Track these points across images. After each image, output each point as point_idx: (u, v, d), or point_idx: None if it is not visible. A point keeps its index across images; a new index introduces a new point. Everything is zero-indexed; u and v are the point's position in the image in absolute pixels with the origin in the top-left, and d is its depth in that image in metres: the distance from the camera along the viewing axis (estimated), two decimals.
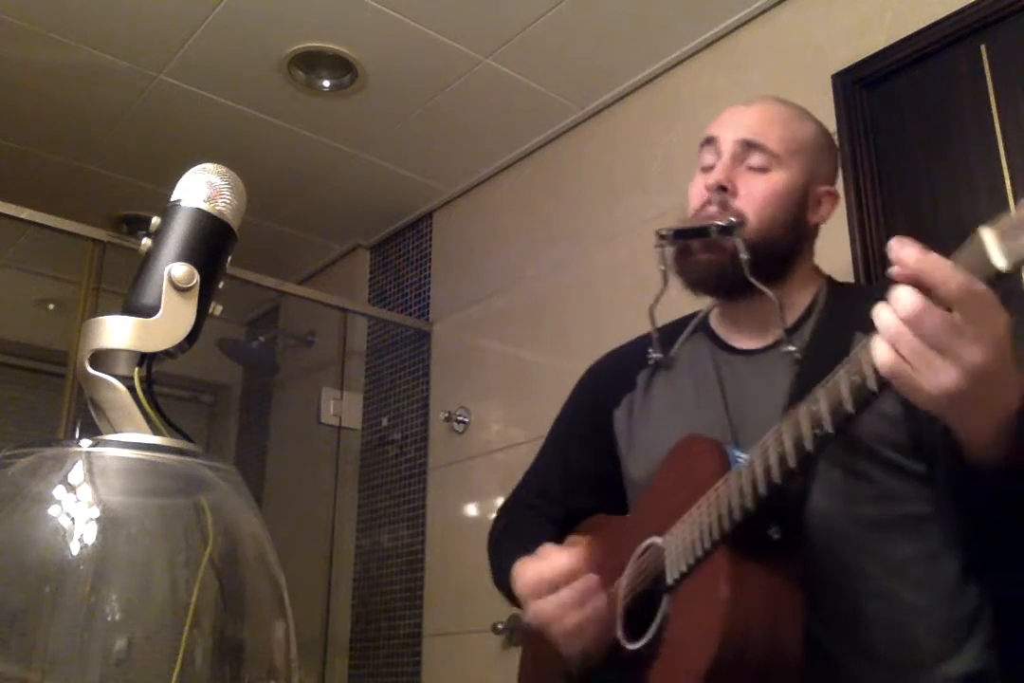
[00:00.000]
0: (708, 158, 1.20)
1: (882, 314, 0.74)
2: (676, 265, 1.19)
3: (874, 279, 1.81)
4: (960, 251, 0.71)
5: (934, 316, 0.70)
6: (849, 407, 0.80)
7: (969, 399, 0.75)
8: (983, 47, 1.83)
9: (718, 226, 1.13)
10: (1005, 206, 1.75)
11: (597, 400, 1.32)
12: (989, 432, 0.80)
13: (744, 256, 1.11)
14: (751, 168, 1.16)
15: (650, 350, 1.25)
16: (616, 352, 1.39)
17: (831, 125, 2.02)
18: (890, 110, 1.98)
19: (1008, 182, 1.74)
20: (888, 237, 1.88)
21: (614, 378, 1.31)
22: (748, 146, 1.16)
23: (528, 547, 1.15)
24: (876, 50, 1.98)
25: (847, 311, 1.13)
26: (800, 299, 1.19)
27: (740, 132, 1.18)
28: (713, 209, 1.16)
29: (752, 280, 1.12)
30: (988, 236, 0.68)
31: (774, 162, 1.16)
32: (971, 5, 1.83)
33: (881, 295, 0.75)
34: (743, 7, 2.27)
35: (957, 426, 0.83)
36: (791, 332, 1.15)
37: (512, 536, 1.30)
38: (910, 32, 1.93)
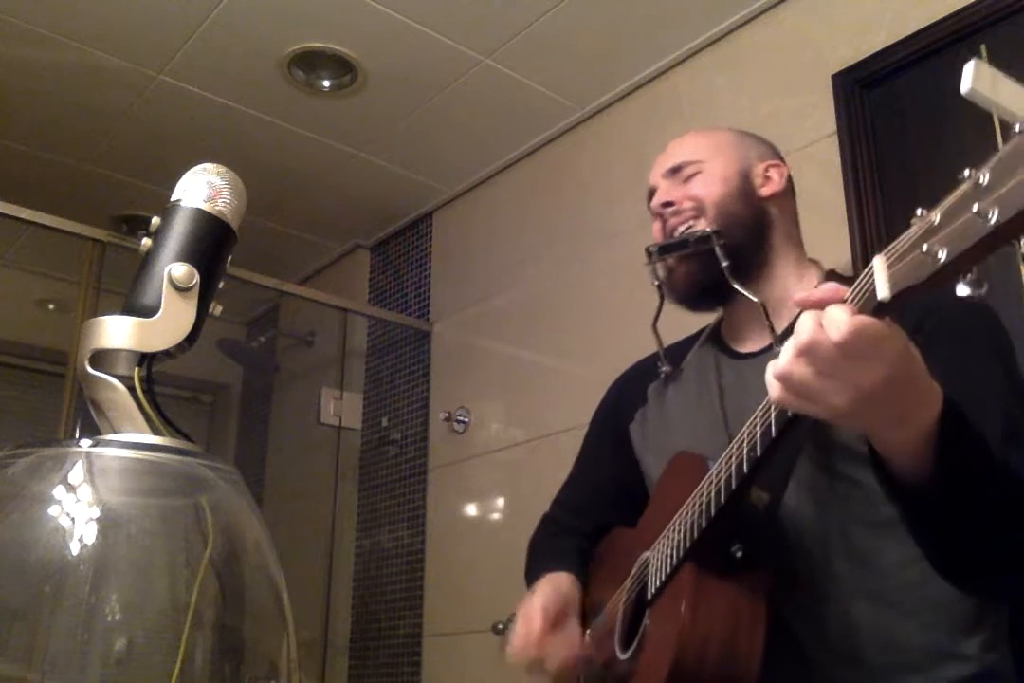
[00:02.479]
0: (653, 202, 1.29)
1: (783, 348, 0.77)
2: (666, 287, 1.26)
3: None
4: (859, 279, 0.72)
5: (826, 346, 0.72)
6: (773, 431, 0.84)
7: (871, 417, 0.78)
8: (983, 47, 1.83)
9: (695, 236, 1.19)
10: None
11: (615, 418, 1.37)
12: (910, 445, 0.82)
13: (724, 263, 1.16)
14: (685, 181, 1.25)
15: (658, 364, 1.29)
16: (632, 368, 1.44)
17: (831, 125, 2.02)
18: (890, 110, 1.98)
19: None
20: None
21: (628, 395, 1.37)
22: (673, 171, 1.26)
23: (554, 561, 1.30)
24: (876, 50, 1.98)
25: None
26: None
27: (663, 166, 1.28)
28: (673, 221, 1.23)
29: (735, 285, 1.16)
30: (879, 265, 0.68)
31: (701, 165, 1.25)
32: (971, 5, 1.83)
33: None
34: (743, 7, 2.27)
35: (874, 442, 0.85)
36: (787, 334, 1.15)
37: (541, 552, 1.39)
38: (910, 32, 1.93)
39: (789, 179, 1.27)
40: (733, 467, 0.90)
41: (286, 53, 2.46)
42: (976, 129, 1.81)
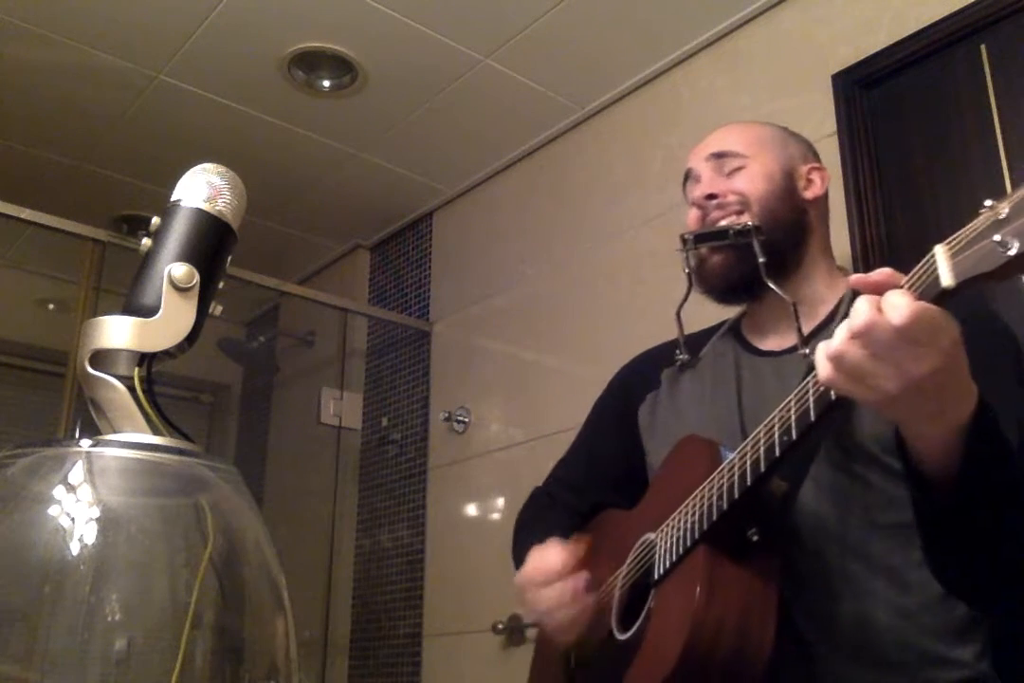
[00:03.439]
0: (691, 189, 1.28)
1: (837, 329, 0.76)
2: (696, 276, 1.24)
3: None
4: (916, 268, 0.73)
5: (884, 330, 0.72)
6: (812, 416, 0.84)
7: (913, 406, 0.78)
8: (983, 47, 1.83)
9: (735, 229, 1.17)
10: None
11: (625, 398, 1.36)
12: (940, 439, 0.82)
13: (761, 259, 1.15)
14: (729, 174, 1.23)
15: (677, 352, 1.29)
16: (646, 352, 1.43)
17: (831, 125, 2.02)
18: (890, 110, 1.98)
19: (1008, 182, 1.74)
20: (888, 237, 1.90)
21: (641, 376, 1.36)
22: (718, 157, 1.25)
23: (546, 536, 1.22)
24: (876, 50, 1.98)
25: None
26: (826, 300, 1.21)
27: (707, 151, 1.27)
28: (716, 214, 1.21)
29: (769, 283, 1.15)
30: (940, 254, 0.69)
31: (745, 160, 1.23)
32: (971, 5, 1.83)
33: None
34: (743, 7, 2.27)
35: (907, 432, 0.85)
36: (815, 334, 1.16)
37: (533, 523, 1.37)
38: (910, 32, 1.92)
39: (827, 184, 1.27)
40: (762, 450, 0.90)
41: (286, 53, 2.46)
42: (976, 128, 1.81)
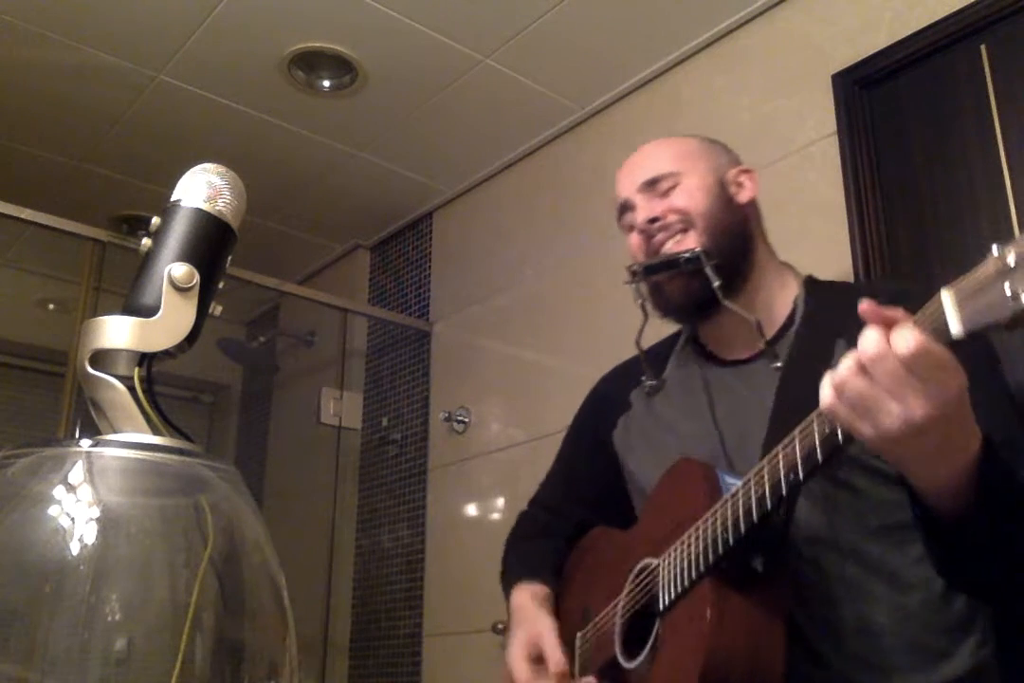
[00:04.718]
0: (629, 217, 1.25)
1: (844, 358, 0.75)
2: (653, 301, 1.23)
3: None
4: (923, 310, 0.71)
5: (891, 361, 0.71)
6: (819, 456, 0.82)
7: (914, 450, 0.77)
8: (983, 47, 1.83)
9: (684, 257, 1.16)
10: (1005, 207, 1.75)
11: (597, 422, 1.36)
12: (944, 481, 0.82)
13: (716, 283, 1.14)
14: (663, 194, 1.21)
15: (643, 378, 1.28)
16: (614, 372, 1.42)
17: (831, 125, 2.02)
18: (890, 110, 1.98)
19: (1008, 182, 1.74)
20: (888, 238, 1.90)
21: (611, 400, 1.35)
22: (649, 184, 1.22)
23: (529, 568, 1.30)
24: (876, 50, 1.98)
25: (829, 315, 1.14)
26: (780, 303, 1.21)
27: (637, 179, 1.24)
28: (660, 237, 1.20)
29: (728, 304, 1.15)
30: (948, 300, 0.68)
31: (678, 177, 1.21)
32: (971, 5, 1.83)
33: (863, 294, 0.76)
34: (743, 7, 2.27)
35: (908, 473, 0.85)
36: (774, 341, 1.16)
37: (519, 552, 1.39)
38: (910, 32, 1.93)
39: (756, 185, 1.26)
40: (767, 487, 0.89)
41: (286, 53, 2.46)
42: (976, 129, 1.81)
